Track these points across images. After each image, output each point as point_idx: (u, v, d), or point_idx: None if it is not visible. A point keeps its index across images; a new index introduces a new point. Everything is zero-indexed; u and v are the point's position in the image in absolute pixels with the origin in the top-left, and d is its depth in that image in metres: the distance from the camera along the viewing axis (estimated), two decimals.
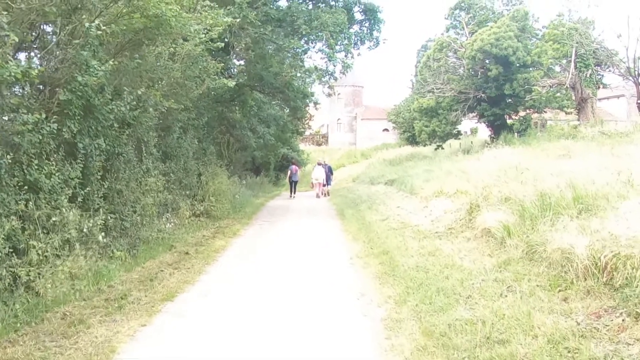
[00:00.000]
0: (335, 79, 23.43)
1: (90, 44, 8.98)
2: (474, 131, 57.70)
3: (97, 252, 9.80)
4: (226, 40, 18.01)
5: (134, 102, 10.64)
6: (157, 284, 8.72)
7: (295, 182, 30.89)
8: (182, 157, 15.80)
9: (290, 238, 14.22)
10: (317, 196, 29.31)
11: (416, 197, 16.51)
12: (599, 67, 33.70)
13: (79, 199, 9.28)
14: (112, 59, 9.48)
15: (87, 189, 9.58)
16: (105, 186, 10.27)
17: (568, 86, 32.76)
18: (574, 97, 33.46)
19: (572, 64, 32.62)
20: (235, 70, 22.18)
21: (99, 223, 9.62)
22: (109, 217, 10.52)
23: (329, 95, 25.59)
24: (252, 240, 13.83)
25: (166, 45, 12.83)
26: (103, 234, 9.49)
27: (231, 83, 16.03)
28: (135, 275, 9.47)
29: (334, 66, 21.48)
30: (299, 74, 23.25)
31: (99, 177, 10.09)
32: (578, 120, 33.97)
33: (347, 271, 9.75)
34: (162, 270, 9.70)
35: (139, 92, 10.58)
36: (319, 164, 31.23)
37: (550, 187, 9.64)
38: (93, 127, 9.80)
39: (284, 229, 16.06)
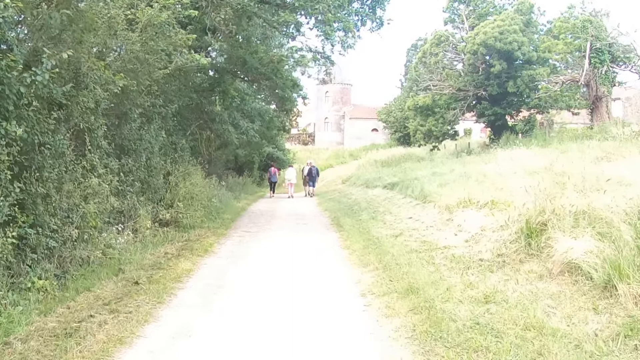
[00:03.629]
0: (332, 64, 20.38)
1: None
2: (467, 132, 55.24)
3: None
4: (203, 11, 14.94)
5: (57, 70, 7.49)
6: (75, 345, 5.60)
7: (275, 183, 33.45)
8: (144, 153, 12.64)
9: (276, 258, 11.08)
10: (290, 196, 31.54)
11: (432, 206, 13.46)
12: (613, 65, 31.02)
13: None
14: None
15: None
16: (18, 189, 7.20)
17: (582, 83, 30.08)
18: (587, 96, 30.83)
19: (587, 60, 29.98)
20: (215, 50, 18.82)
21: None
22: (28, 233, 7.52)
23: (324, 82, 22.28)
24: (227, 261, 10.66)
25: (119, 5, 9.84)
26: None
27: (205, 60, 13.03)
28: (52, 322, 6.38)
29: (332, 46, 18.40)
30: (290, 61, 20.19)
31: (9, 176, 7.03)
32: (591, 120, 31.32)
33: (363, 323, 6.54)
34: (91, 316, 6.54)
35: (65, 56, 7.43)
36: (291, 167, 36.20)
37: None
38: None
39: (268, 244, 12.92)
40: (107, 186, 9.79)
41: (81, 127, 9.26)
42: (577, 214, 7.45)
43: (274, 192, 32.91)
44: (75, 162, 9.17)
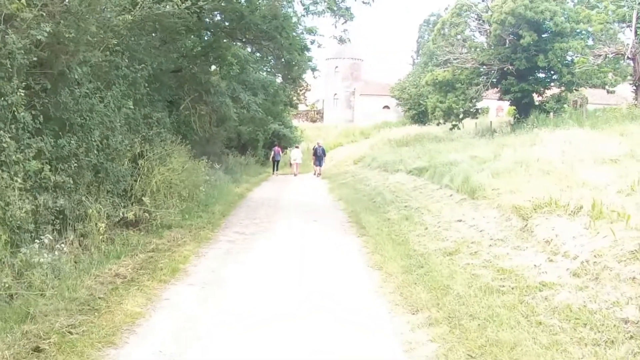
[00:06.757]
0: (352, 18, 16.78)
1: None
2: (485, 110, 51.82)
3: None
4: None
5: None
6: None
7: (278, 162, 35.11)
8: (96, 128, 9.17)
9: (274, 287, 7.49)
10: (294, 174, 32.77)
11: (487, 206, 9.95)
12: None
13: None
14: None
15: None
16: None
17: (628, 57, 26.69)
18: (633, 72, 27.43)
19: (633, 30, 26.59)
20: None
21: None
22: None
23: (342, 41, 18.56)
24: (201, 295, 7.09)
25: None
26: None
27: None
28: None
29: None
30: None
31: None
32: (635, 99, 27.90)
33: None
34: None
35: None
36: (297, 147, 37.97)
37: None
38: None
39: (266, 257, 9.44)
40: (14, 182, 6.40)
41: None
42: None
43: (277, 170, 34.41)
44: None
